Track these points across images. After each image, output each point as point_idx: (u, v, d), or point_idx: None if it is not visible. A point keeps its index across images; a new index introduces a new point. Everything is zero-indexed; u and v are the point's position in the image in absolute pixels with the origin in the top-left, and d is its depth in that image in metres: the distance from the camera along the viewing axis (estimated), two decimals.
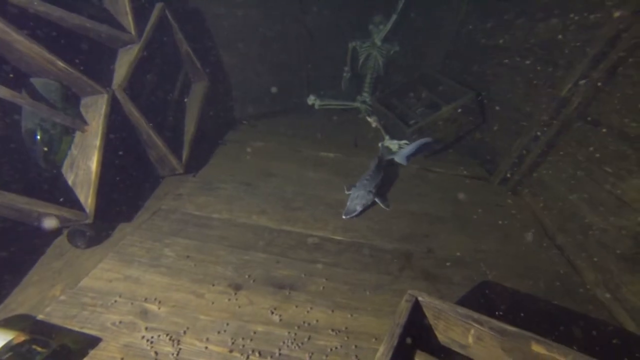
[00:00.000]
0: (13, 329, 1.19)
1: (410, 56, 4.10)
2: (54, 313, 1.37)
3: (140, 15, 2.14)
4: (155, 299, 1.48)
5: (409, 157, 2.90)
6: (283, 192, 2.39)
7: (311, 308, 1.52)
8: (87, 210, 1.73)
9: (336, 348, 1.36)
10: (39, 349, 1.13)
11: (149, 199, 2.26)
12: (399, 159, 2.87)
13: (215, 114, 3.13)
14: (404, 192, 2.56)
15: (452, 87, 3.23)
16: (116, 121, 1.97)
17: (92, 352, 1.24)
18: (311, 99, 3.91)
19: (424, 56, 4.11)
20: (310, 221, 2.12)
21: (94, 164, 1.77)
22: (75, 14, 1.76)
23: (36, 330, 1.27)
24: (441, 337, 1.26)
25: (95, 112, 1.87)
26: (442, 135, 3.10)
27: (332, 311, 1.52)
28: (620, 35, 1.88)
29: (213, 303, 1.49)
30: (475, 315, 1.14)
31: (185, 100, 2.79)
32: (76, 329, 1.32)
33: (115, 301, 1.45)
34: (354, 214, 2.13)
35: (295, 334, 1.39)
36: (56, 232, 1.86)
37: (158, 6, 2.30)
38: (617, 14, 1.87)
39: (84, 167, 1.79)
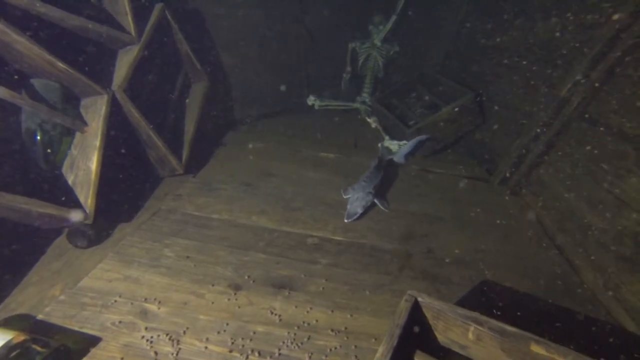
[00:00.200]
0: (13, 328, 1.19)
1: (410, 56, 4.10)
2: (53, 313, 1.37)
3: (140, 15, 2.15)
4: (155, 299, 1.48)
5: (407, 156, 2.92)
6: (283, 192, 2.39)
7: (311, 308, 1.52)
8: (87, 210, 1.74)
9: (336, 348, 1.36)
10: (38, 348, 1.13)
11: (148, 200, 2.26)
12: (397, 158, 2.88)
13: (215, 115, 3.14)
14: (403, 193, 2.56)
15: (451, 88, 3.24)
16: (116, 122, 1.97)
17: (92, 352, 1.24)
18: (311, 100, 3.91)
19: (424, 56, 4.11)
20: (310, 221, 2.12)
21: (93, 164, 1.77)
22: (75, 15, 1.76)
23: (36, 330, 1.27)
24: (441, 338, 1.26)
25: (95, 112, 1.88)
26: (442, 136, 3.10)
27: (332, 311, 1.52)
28: (619, 35, 1.88)
29: (213, 303, 1.49)
30: (475, 315, 1.14)
31: (186, 100, 2.80)
32: (76, 328, 1.32)
33: (115, 301, 1.45)
34: (355, 217, 2.11)
35: (295, 334, 1.40)
36: (58, 232, 1.87)
37: (158, 7, 2.30)
38: (615, 16, 1.87)
39: (83, 167, 1.80)
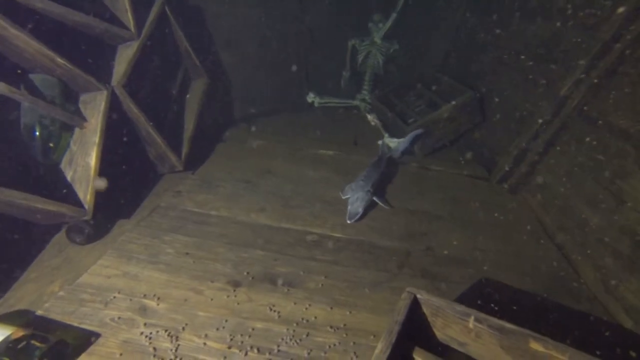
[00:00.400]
0: (12, 324, 1.19)
1: (410, 55, 4.10)
2: (53, 309, 1.37)
3: (140, 11, 2.14)
4: (154, 295, 1.48)
5: (403, 152, 2.93)
6: (282, 189, 2.39)
7: (310, 305, 1.52)
8: (86, 206, 1.73)
9: (334, 345, 1.36)
10: (37, 344, 1.13)
11: (148, 196, 2.26)
12: (394, 154, 2.90)
13: (214, 112, 3.13)
14: (403, 191, 2.56)
15: (451, 86, 3.23)
16: (115, 118, 1.97)
17: (90, 348, 1.24)
18: (311, 97, 3.90)
19: (424, 55, 4.10)
20: (309, 219, 2.12)
21: (92, 160, 1.77)
22: (75, 11, 1.75)
23: (35, 325, 1.27)
24: (439, 335, 1.26)
25: (94, 108, 1.87)
26: (441, 134, 3.10)
27: (331, 308, 1.52)
28: (620, 33, 1.88)
29: (212, 300, 1.49)
30: (474, 312, 1.14)
31: (186, 97, 2.79)
32: (75, 324, 1.32)
33: (114, 297, 1.45)
34: (357, 217, 2.10)
35: (294, 330, 1.40)
36: (57, 228, 1.87)
37: (158, 2, 2.29)
38: (616, 13, 1.87)
39: (82, 163, 1.79)
